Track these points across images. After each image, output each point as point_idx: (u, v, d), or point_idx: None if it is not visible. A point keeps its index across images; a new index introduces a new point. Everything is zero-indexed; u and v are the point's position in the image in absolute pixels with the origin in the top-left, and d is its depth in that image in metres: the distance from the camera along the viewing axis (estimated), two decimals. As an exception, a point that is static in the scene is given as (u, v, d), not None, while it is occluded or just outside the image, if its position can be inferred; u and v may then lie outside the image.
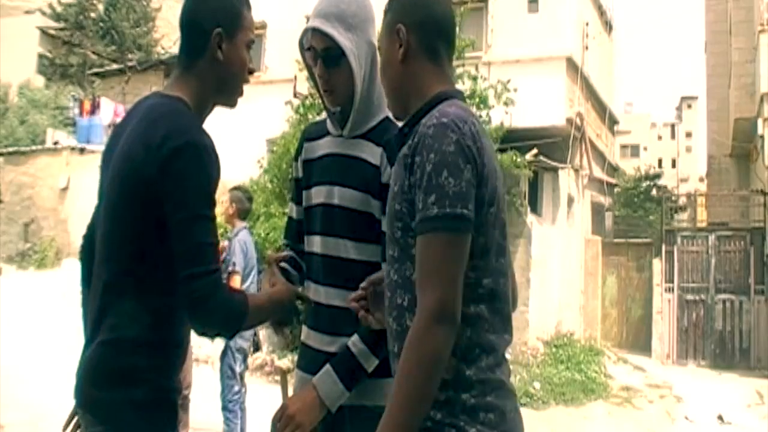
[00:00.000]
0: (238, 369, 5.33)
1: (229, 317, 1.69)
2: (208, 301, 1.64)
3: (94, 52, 25.22)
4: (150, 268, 1.72)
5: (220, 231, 10.00)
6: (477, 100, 10.48)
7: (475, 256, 1.46)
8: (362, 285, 1.74)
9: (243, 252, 5.19)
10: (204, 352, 8.63)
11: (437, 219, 1.42)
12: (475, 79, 10.63)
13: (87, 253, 1.94)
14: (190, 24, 1.85)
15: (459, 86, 9.31)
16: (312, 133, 2.14)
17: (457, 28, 11.07)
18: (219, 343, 6.20)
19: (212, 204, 1.70)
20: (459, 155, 1.44)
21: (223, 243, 5.20)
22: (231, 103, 1.94)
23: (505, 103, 10.47)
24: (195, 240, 1.65)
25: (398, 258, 1.54)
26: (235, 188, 5.67)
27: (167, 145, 1.65)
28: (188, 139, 1.68)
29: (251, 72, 1.92)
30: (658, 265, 13.87)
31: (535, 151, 11.34)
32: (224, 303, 1.67)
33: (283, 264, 2.06)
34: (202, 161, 1.68)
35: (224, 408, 5.24)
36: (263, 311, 1.83)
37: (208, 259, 1.66)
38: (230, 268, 5.10)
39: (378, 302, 1.70)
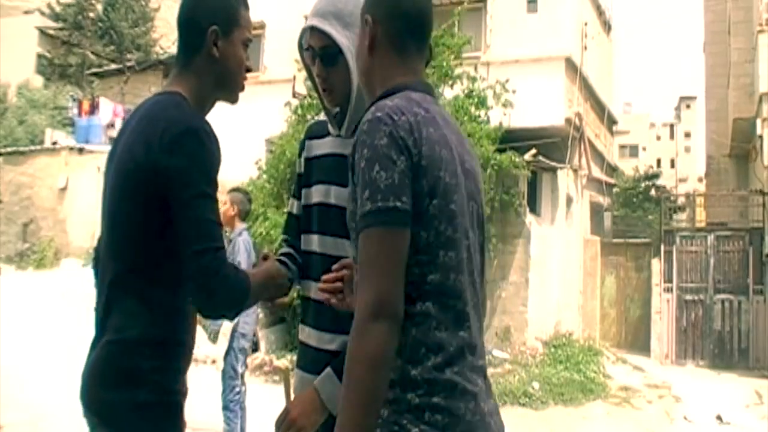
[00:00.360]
0: (240, 369, 5.35)
1: (235, 294, 1.70)
2: (215, 278, 1.64)
3: (92, 52, 25.24)
4: (153, 265, 1.73)
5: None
6: (475, 100, 10.50)
7: (417, 250, 1.42)
8: (334, 267, 1.71)
9: (247, 251, 5.22)
10: (203, 352, 8.63)
11: (370, 214, 1.39)
12: (474, 79, 10.64)
13: (99, 262, 1.95)
14: (187, 22, 1.87)
15: (457, 86, 9.24)
16: (315, 132, 2.15)
17: (456, 27, 11.11)
18: (218, 342, 6.21)
19: (215, 186, 1.72)
20: (392, 147, 1.41)
21: None
22: (232, 99, 1.96)
23: (504, 105, 10.49)
24: (200, 217, 1.66)
25: (356, 258, 1.53)
26: (235, 190, 5.69)
27: (167, 135, 1.67)
28: (188, 125, 1.70)
29: (248, 70, 1.93)
30: (656, 265, 13.88)
31: (534, 151, 11.34)
32: (231, 279, 1.68)
33: (281, 257, 2.07)
34: (204, 144, 1.70)
35: (225, 408, 5.26)
36: (262, 287, 1.84)
37: (214, 236, 1.67)
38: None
39: (351, 286, 1.69)
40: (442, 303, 1.44)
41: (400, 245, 1.40)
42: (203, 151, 1.69)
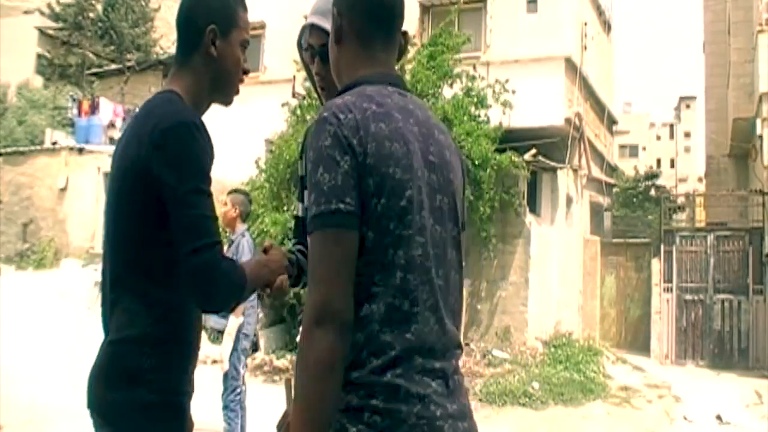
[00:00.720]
0: (242, 370, 5.37)
1: (233, 286, 1.68)
2: (213, 272, 1.63)
3: (92, 53, 25.22)
4: (153, 263, 1.73)
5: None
6: (475, 99, 10.50)
7: (366, 251, 1.38)
8: None
9: (251, 252, 5.24)
10: (202, 351, 8.63)
11: (315, 218, 1.37)
12: (473, 78, 10.64)
13: None
14: (185, 21, 1.88)
15: (457, 85, 9.19)
16: None
17: (455, 26, 11.10)
18: (220, 342, 6.22)
19: (209, 180, 1.70)
20: (335, 148, 1.38)
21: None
22: (227, 101, 1.96)
23: (503, 104, 10.49)
24: (195, 213, 1.65)
25: None
26: (235, 191, 5.70)
27: (158, 129, 1.67)
28: (178, 119, 1.70)
29: (246, 72, 1.94)
30: (656, 265, 13.88)
31: (533, 151, 11.35)
32: (228, 272, 1.67)
33: (299, 247, 2.07)
34: (195, 138, 1.69)
35: (225, 407, 5.28)
36: (256, 276, 1.81)
37: (210, 232, 1.66)
38: None
39: None
40: (389, 304, 1.39)
41: (345, 248, 1.36)
42: (194, 146, 1.68)
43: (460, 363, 1.56)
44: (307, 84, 10.18)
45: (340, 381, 1.35)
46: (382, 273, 1.40)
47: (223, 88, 1.91)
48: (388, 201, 1.40)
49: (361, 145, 1.39)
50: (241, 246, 5.26)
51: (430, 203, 1.47)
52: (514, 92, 10.55)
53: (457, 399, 1.45)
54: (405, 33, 1.67)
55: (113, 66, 22.11)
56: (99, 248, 14.50)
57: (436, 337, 1.44)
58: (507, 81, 10.64)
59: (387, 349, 1.38)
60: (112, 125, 18.47)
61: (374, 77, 1.56)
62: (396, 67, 1.69)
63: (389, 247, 1.40)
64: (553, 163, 12.16)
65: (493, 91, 10.57)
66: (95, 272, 12.79)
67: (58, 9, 26.08)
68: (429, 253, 1.45)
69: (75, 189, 16.48)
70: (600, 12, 16.40)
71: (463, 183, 1.62)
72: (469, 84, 10.63)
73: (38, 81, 25.77)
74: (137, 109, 1.94)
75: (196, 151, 1.69)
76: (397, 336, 1.39)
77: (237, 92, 1.95)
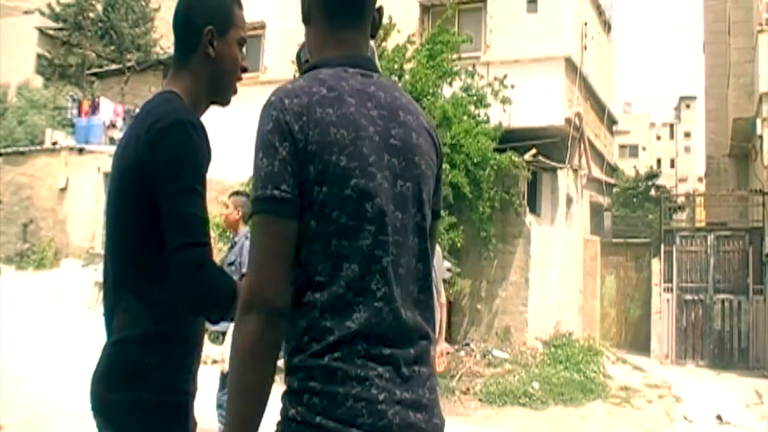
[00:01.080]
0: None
1: (220, 292, 1.65)
2: (199, 271, 1.61)
3: (92, 53, 25.23)
4: (152, 263, 1.72)
5: (218, 232, 9.74)
6: (474, 98, 10.50)
7: (309, 240, 1.37)
8: None
9: None
10: (203, 351, 8.63)
11: (253, 204, 1.38)
12: (472, 75, 10.64)
13: None
14: (182, 22, 1.88)
15: (456, 83, 9.13)
16: None
17: (456, 25, 11.09)
18: (221, 343, 6.22)
19: (203, 181, 1.70)
20: (275, 133, 1.37)
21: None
22: (225, 101, 1.96)
23: (502, 101, 10.49)
24: (186, 211, 1.64)
25: None
26: (237, 193, 5.69)
27: (155, 128, 1.67)
28: (175, 118, 1.69)
29: (244, 70, 1.93)
30: (656, 265, 13.89)
31: (533, 151, 11.35)
32: (216, 276, 1.64)
33: None
34: (191, 137, 1.68)
35: (220, 406, 5.30)
36: None
37: (198, 231, 1.65)
38: (243, 270, 5.10)
39: None
40: (332, 293, 1.36)
41: (277, 235, 1.35)
42: (190, 145, 1.68)
43: (439, 356, 1.54)
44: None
45: (270, 369, 1.34)
46: (325, 263, 1.37)
47: (222, 88, 1.91)
48: (331, 189, 1.37)
49: (302, 132, 1.37)
50: (245, 247, 5.25)
51: (390, 189, 1.43)
52: (513, 87, 10.53)
53: (413, 388, 1.40)
54: (380, 9, 1.61)
55: (113, 66, 22.12)
56: (99, 248, 14.52)
57: (387, 325, 1.39)
58: (506, 77, 10.63)
59: (327, 335, 1.36)
60: (112, 125, 18.49)
61: (335, 59, 1.50)
62: (374, 44, 1.64)
63: (333, 236, 1.37)
64: (553, 163, 12.16)
65: (492, 89, 10.57)
66: (95, 272, 12.79)
67: (58, 9, 26.07)
68: (383, 242, 1.40)
69: (75, 189, 16.49)
70: (600, 12, 16.40)
71: (437, 165, 1.56)
72: (468, 81, 10.62)
73: (38, 81, 25.76)
74: (137, 110, 1.94)
75: (192, 151, 1.68)
76: (338, 323, 1.36)
77: (235, 92, 1.95)
